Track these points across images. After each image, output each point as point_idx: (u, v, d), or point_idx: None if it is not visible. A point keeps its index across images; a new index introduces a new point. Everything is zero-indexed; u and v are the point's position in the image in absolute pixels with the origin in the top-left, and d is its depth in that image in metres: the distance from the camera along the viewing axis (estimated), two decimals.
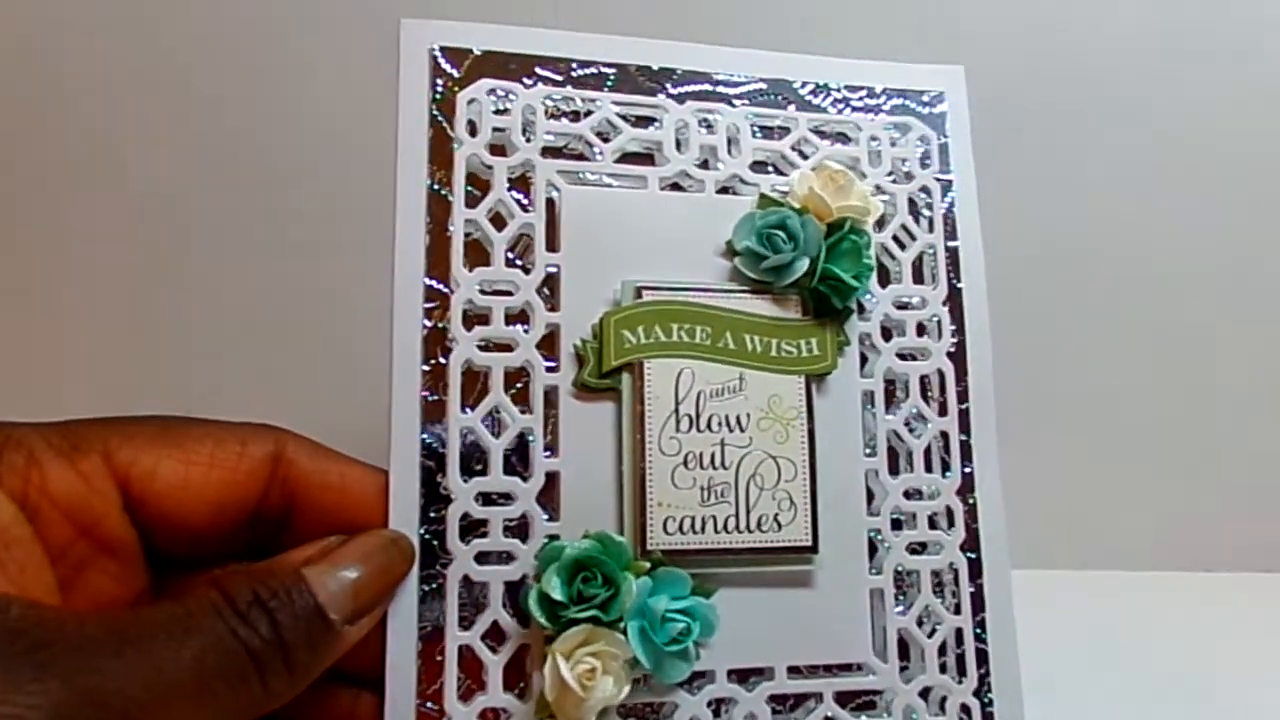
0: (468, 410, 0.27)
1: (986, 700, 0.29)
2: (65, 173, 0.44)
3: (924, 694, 0.29)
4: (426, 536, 0.26)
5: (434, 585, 0.26)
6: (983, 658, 0.29)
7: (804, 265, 0.28)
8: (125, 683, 0.19)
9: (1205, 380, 0.51)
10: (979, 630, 0.29)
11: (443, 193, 0.28)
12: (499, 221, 0.28)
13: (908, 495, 0.29)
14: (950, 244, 0.31)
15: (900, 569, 0.29)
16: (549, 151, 0.29)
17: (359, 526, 0.26)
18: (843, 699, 0.28)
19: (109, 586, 0.23)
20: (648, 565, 0.26)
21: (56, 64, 0.44)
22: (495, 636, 0.26)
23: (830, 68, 0.32)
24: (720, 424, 0.28)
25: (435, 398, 0.27)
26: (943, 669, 0.29)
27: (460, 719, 0.26)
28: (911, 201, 0.31)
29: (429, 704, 0.26)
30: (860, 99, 0.31)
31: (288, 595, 0.23)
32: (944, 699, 0.29)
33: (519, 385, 0.28)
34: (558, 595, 0.25)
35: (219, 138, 0.45)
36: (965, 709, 0.29)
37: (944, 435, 0.30)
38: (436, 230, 0.28)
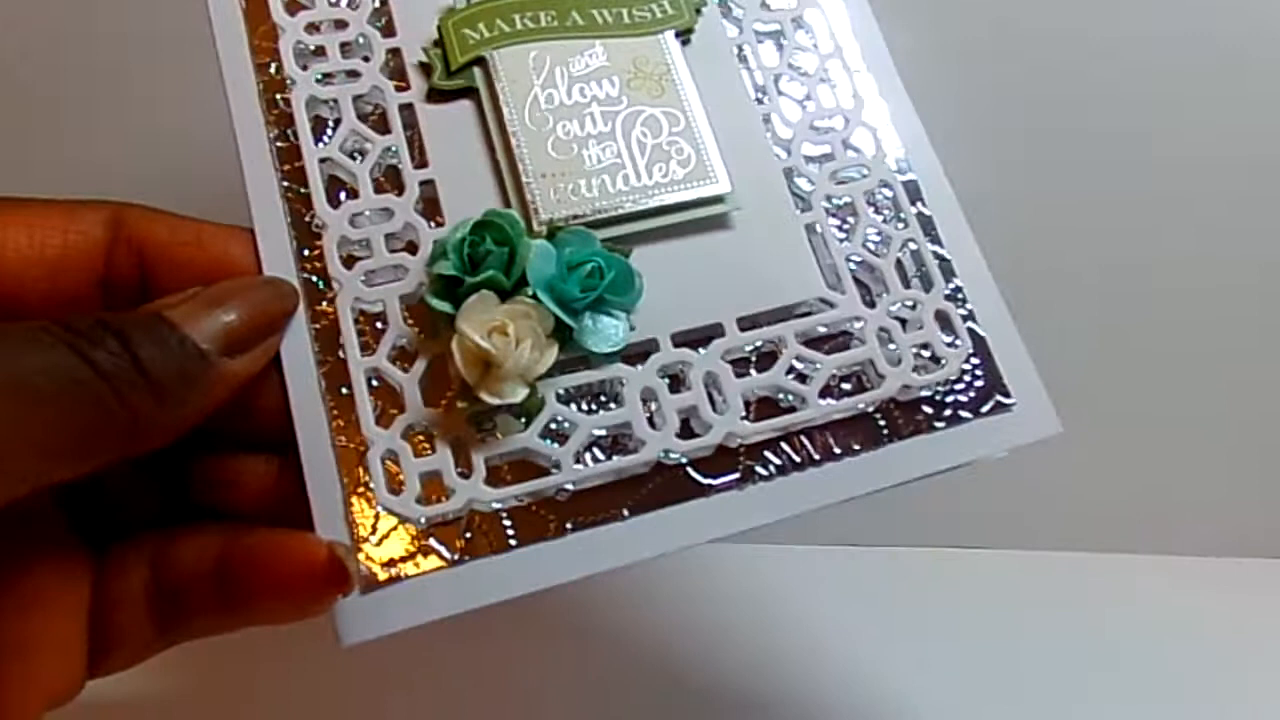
0: (322, 141, 0.25)
1: (964, 307, 0.26)
2: None
3: (893, 317, 0.25)
4: (308, 277, 0.24)
5: (325, 321, 0.24)
6: (947, 269, 0.26)
7: None
8: None
9: None
10: (934, 244, 0.26)
11: None
12: None
13: (815, 129, 0.27)
14: None
15: (830, 202, 0.27)
16: None
17: None
18: (808, 340, 0.25)
19: None
20: (545, 232, 0.24)
21: None
22: (404, 358, 0.24)
23: None
24: (587, 93, 0.26)
25: (285, 143, 0.25)
26: (907, 285, 0.26)
27: (383, 443, 0.23)
28: None
29: (343, 437, 0.23)
30: None
31: (143, 326, 0.21)
32: (919, 315, 0.26)
33: (371, 113, 0.26)
34: (450, 270, 0.23)
35: None
36: (942, 316, 0.26)
37: (828, 64, 0.28)
38: None
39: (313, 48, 0.26)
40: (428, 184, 0.25)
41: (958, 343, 0.25)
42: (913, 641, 0.42)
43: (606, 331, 0.24)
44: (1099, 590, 0.45)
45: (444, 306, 0.23)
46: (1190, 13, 0.46)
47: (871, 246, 0.26)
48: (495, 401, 0.22)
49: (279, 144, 0.25)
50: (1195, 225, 0.47)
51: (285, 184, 0.25)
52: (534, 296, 0.23)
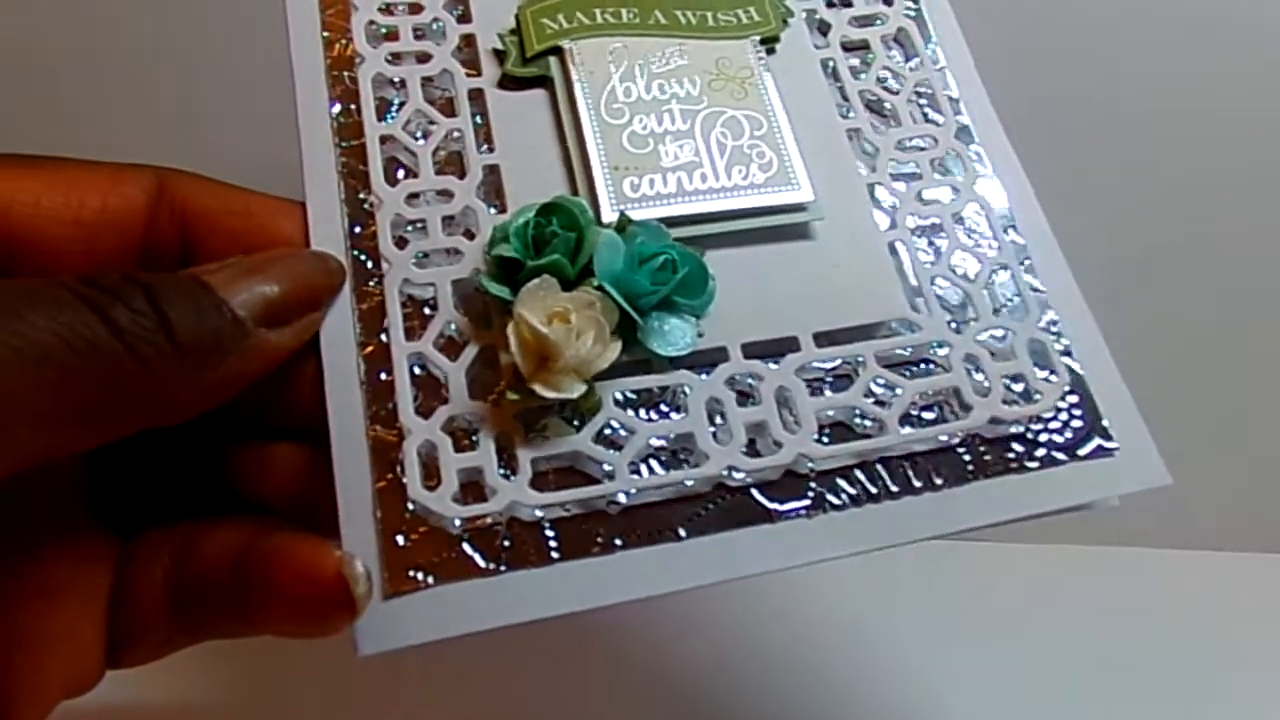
0: (387, 119, 0.24)
1: (1060, 341, 0.24)
2: None
3: (982, 343, 0.23)
4: (358, 255, 0.23)
5: (371, 302, 0.22)
6: (1042, 300, 0.24)
7: None
8: None
9: None
10: (1028, 273, 0.24)
11: None
12: None
13: (901, 148, 0.26)
14: None
15: (915, 218, 0.25)
16: None
17: None
18: (889, 364, 0.23)
19: None
20: (615, 224, 0.22)
21: None
22: (451, 348, 0.22)
23: None
24: (667, 90, 0.25)
25: (347, 119, 0.24)
26: (996, 312, 0.24)
27: (421, 432, 0.21)
28: None
29: (378, 426, 0.21)
30: None
31: (178, 286, 0.19)
32: (1010, 342, 0.23)
33: (439, 97, 0.25)
34: (513, 252, 0.21)
35: None
36: (1036, 347, 0.23)
37: (924, 90, 0.27)
38: None
39: (385, 30, 0.25)
40: (492, 169, 0.24)
41: (1053, 377, 0.23)
42: (916, 635, 0.40)
43: (674, 334, 0.22)
44: (1104, 584, 0.44)
45: (501, 291, 0.21)
46: None
47: (960, 270, 0.24)
48: (550, 395, 0.20)
49: (340, 119, 0.24)
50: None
51: (343, 160, 0.23)
52: (599, 288, 0.21)
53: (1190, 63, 0.45)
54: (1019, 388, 0.23)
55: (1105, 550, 0.45)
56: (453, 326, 0.22)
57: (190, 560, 0.21)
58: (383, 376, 0.21)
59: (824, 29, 0.27)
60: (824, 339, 0.23)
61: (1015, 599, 0.42)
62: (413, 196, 0.23)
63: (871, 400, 0.22)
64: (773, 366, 0.22)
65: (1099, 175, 0.45)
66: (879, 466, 0.22)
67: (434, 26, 0.25)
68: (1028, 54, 0.42)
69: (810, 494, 0.22)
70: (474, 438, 0.21)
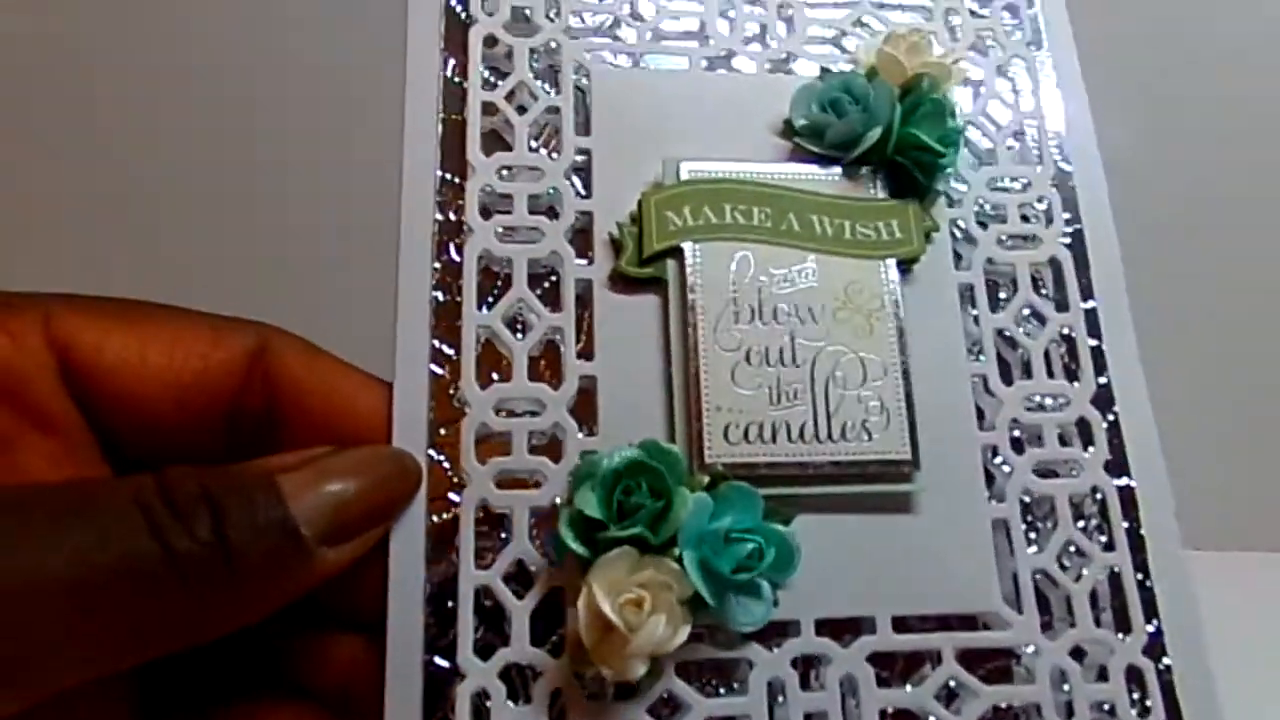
0: (485, 309, 0.23)
1: (1162, 664, 0.22)
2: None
3: (1075, 654, 0.22)
4: (437, 457, 0.22)
5: (445, 515, 0.21)
6: (1150, 607, 0.22)
7: (877, 133, 0.24)
8: None
9: None
10: (1141, 574, 0.23)
11: (456, 79, 0.24)
12: (521, 106, 0.25)
13: (1029, 408, 0.24)
14: (1053, 125, 0.26)
15: (1028, 495, 0.23)
16: (576, 32, 0.25)
17: (355, 443, 0.21)
18: (968, 660, 0.22)
19: (45, 470, 0.19)
20: (706, 480, 0.21)
21: None
22: (521, 579, 0.21)
23: None
24: (788, 314, 0.23)
25: (447, 298, 0.23)
26: (1098, 622, 0.22)
27: (478, 677, 0.20)
28: (1000, 70, 0.26)
29: (438, 658, 0.21)
30: None
31: (247, 496, 0.18)
32: (1105, 660, 0.22)
33: (546, 284, 0.23)
34: (594, 512, 0.20)
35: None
36: (1134, 673, 0.22)
37: (1067, 336, 0.24)
38: (449, 118, 0.24)
39: (500, 193, 0.24)
40: (588, 382, 0.22)
41: (1149, 703, 0.22)
42: None
43: (751, 611, 0.21)
44: None
45: (580, 550, 0.20)
46: None
47: (1066, 563, 0.23)
48: (612, 676, 0.20)
49: (439, 296, 0.23)
50: None
51: (435, 343, 0.22)
52: (680, 559, 0.20)
53: None
54: (1107, 711, 0.22)
55: None
56: (524, 557, 0.21)
57: None
58: (449, 604, 0.21)
59: (970, 245, 0.25)
60: (902, 624, 0.22)
61: None
62: (503, 402, 0.22)
63: (943, 701, 0.21)
64: (843, 650, 0.21)
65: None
66: None
67: (550, 192, 0.24)
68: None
69: None
70: (530, 687, 0.21)
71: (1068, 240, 0.25)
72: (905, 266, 0.24)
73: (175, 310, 0.22)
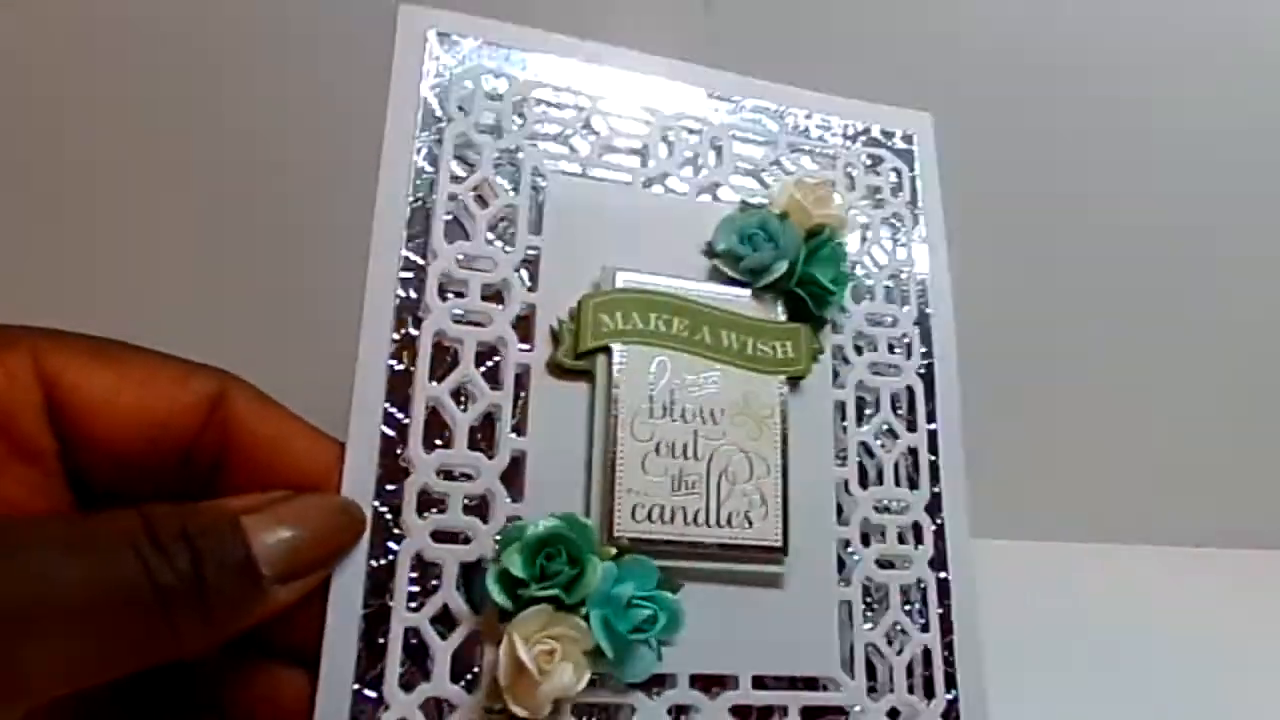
0: (435, 381, 0.26)
1: None
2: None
3: (891, 714, 0.27)
4: (381, 509, 0.25)
5: (384, 561, 0.24)
6: (951, 681, 0.28)
7: (783, 267, 0.29)
8: None
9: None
10: (947, 653, 0.28)
11: (427, 169, 0.28)
12: (482, 199, 0.28)
13: (877, 509, 0.29)
14: (920, 273, 0.32)
15: (869, 582, 0.28)
16: (538, 137, 0.29)
17: (298, 489, 0.24)
18: (809, 715, 0.27)
19: (23, 498, 0.21)
20: (614, 551, 0.25)
21: None
22: (445, 621, 0.24)
23: (814, 101, 0.33)
24: (694, 415, 0.27)
25: (402, 367, 0.26)
26: (910, 689, 0.28)
27: (401, 708, 0.23)
28: (885, 222, 0.32)
29: (367, 690, 0.24)
30: (839, 129, 0.33)
31: (219, 537, 0.21)
32: (912, 713, 0.27)
33: (491, 363, 0.27)
34: (519, 572, 0.24)
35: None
36: None
37: (913, 452, 0.30)
38: (418, 204, 0.27)
39: (458, 278, 0.27)
40: (519, 452, 0.26)
41: None
42: None
43: (641, 663, 0.25)
44: (1105, 581, 0.45)
45: (504, 602, 0.24)
46: None
47: (892, 639, 0.28)
48: (521, 713, 0.23)
49: (394, 365, 0.26)
50: None
51: (388, 407, 0.25)
52: (586, 617, 0.24)
53: None
54: None
55: (1105, 548, 0.46)
56: (450, 604, 0.25)
57: None
58: (380, 640, 0.24)
59: (847, 367, 0.30)
60: (760, 682, 0.26)
61: (1017, 596, 0.42)
62: (444, 470, 0.25)
63: None
64: (711, 701, 0.26)
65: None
66: None
67: (501, 283, 0.27)
68: None
69: None
70: (446, 719, 0.24)
71: (923, 371, 0.31)
72: (794, 382, 0.29)
73: (147, 352, 0.24)
